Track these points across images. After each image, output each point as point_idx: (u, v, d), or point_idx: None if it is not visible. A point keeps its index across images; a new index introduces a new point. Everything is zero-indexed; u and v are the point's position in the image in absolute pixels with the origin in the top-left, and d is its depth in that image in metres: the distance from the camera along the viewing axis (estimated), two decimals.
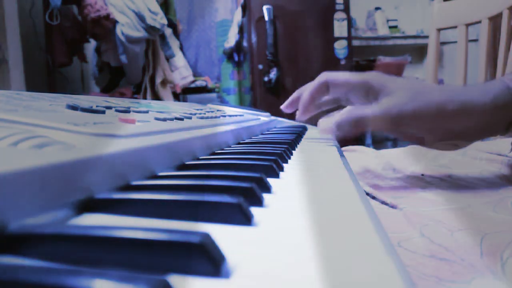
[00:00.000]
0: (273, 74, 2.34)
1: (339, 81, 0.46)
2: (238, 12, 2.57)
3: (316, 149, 0.44)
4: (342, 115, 0.42)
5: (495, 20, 0.84)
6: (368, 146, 2.00)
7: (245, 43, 2.58)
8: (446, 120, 0.39)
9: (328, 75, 0.47)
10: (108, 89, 2.35)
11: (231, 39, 2.60)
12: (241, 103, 2.63)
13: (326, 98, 0.51)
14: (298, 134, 0.53)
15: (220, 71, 2.78)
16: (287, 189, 0.22)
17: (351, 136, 0.42)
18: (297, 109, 0.51)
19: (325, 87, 0.47)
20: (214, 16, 2.88)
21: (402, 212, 0.36)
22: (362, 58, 2.90)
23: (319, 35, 2.45)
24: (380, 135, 2.73)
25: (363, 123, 0.41)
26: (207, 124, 0.40)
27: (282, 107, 0.53)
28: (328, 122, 0.43)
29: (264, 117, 0.73)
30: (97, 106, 0.33)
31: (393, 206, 0.38)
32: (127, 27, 2.06)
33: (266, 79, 2.36)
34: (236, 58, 2.65)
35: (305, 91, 0.48)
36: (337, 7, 2.45)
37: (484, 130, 0.41)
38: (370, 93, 0.43)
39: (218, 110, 0.67)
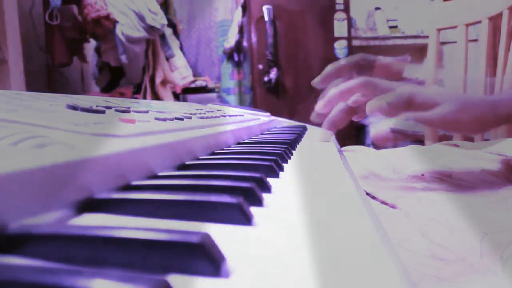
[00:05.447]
0: (273, 74, 2.34)
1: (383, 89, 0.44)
2: (238, 12, 2.57)
3: (316, 149, 0.44)
4: (395, 95, 0.40)
5: (495, 20, 0.84)
6: (368, 146, 2.00)
7: (245, 43, 2.58)
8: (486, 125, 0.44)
9: (371, 79, 0.45)
10: (108, 89, 2.35)
11: (231, 39, 2.59)
12: (241, 103, 2.63)
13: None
14: (298, 134, 0.53)
15: (220, 71, 2.78)
16: (287, 189, 0.22)
17: (399, 115, 0.41)
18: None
19: (367, 88, 0.45)
20: (214, 16, 2.88)
21: (402, 212, 0.36)
22: None
23: (319, 35, 2.44)
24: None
25: (416, 101, 0.41)
26: (207, 124, 0.40)
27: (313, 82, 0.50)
28: (378, 102, 0.40)
29: (264, 117, 0.73)
30: (97, 106, 0.33)
31: (393, 206, 0.38)
32: (127, 27, 2.06)
33: (266, 79, 2.35)
34: (236, 58, 2.65)
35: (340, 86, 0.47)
36: (337, 7, 2.45)
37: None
38: (412, 106, 0.42)
39: (218, 110, 0.67)
